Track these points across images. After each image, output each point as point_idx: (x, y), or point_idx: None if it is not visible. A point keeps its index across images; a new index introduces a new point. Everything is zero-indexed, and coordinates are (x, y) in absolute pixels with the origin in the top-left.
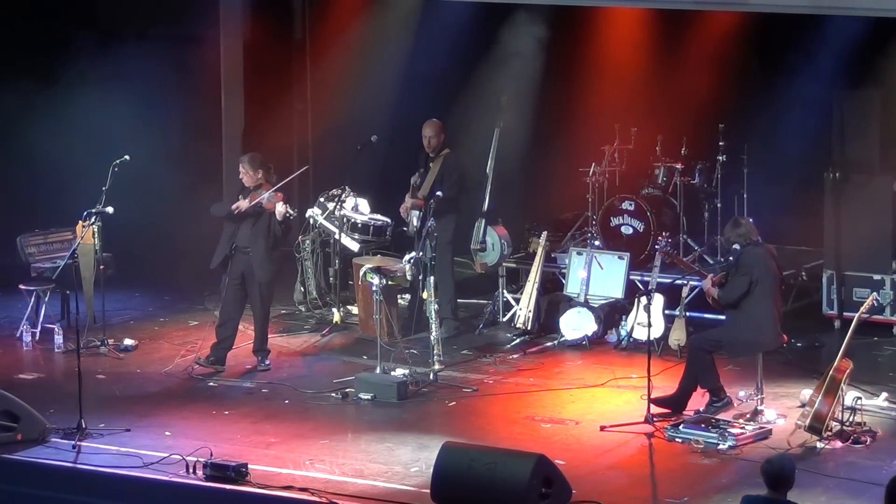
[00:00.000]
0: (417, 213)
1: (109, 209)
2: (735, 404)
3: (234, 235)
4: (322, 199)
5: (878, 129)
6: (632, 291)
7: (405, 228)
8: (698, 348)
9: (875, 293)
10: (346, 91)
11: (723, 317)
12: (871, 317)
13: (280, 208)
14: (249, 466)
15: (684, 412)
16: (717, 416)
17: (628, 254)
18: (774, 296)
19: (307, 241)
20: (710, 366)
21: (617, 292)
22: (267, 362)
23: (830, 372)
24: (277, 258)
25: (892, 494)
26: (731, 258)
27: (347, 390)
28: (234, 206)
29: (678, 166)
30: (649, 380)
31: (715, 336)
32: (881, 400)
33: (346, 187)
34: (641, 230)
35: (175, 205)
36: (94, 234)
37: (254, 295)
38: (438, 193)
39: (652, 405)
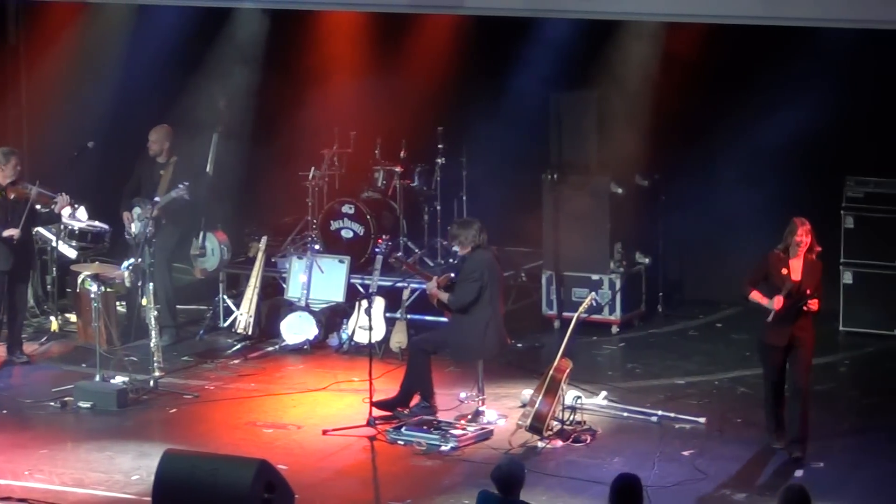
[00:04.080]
0: (139, 220)
1: None
2: (438, 406)
3: None
4: (39, 206)
5: (595, 130)
6: (353, 295)
7: (127, 235)
8: (420, 350)
9: (594, 293)
10: (62, 97)
11: (444, 318)
12: (589, 317)
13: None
14: None
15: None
16: (440, 418)
17: (349, 257)
18: (498, 299)
19: None
20: (426, 369)
21: (338, 296)
22: (25, 355)
23: (551, 372)
24: None
25: (618, 491)
26: (453, 260)
27: (66, 399)
28: (6, 235)
29: (397, 169)
30: (371, 383)
31: (439, 337)
32: (601, 399)
33: (64, 194)
34: (361, 234)
35: None
36: None
37: (20, 289)
38: (157, 199)
39: (376, 408)
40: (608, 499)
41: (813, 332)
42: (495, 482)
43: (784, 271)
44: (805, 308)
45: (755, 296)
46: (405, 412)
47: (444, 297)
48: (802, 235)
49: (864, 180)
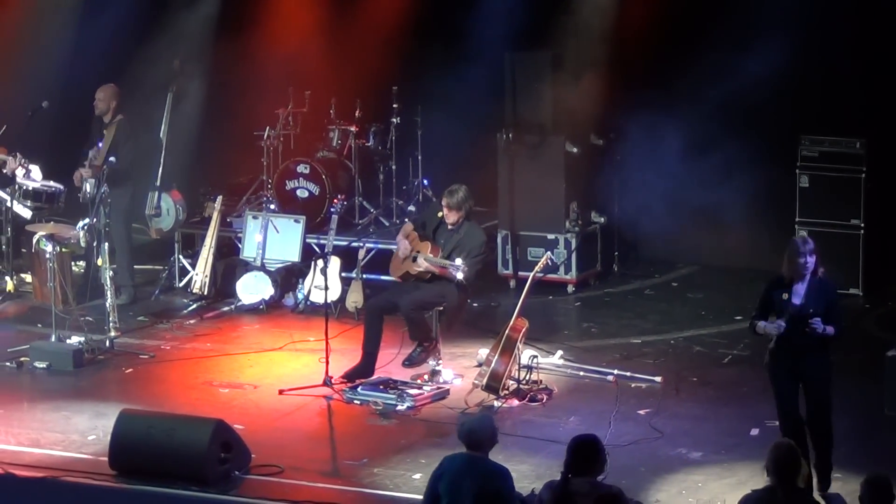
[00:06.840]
0: (92, 180)
1: None
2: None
3: None
4: None
5: (550, 90)
6: (308, 254)
7: (80, 195)
8: (417, 309)
9: (549, 252)
10: (15, 56)
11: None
12: (545, 276)
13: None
14: None
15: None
16: (396, 378)
17: (304, 217)
18: None
19: None
20: (423, 320)
21: (293, 256)
22: None
23: (506, 331)
24: None
25: (575, 450)
26: (406, 220)
27: (22, 359)
28: None
29: (352, 129)
30: (327, 342)
31: (435, 300)
32: (556, 358)
33: (18, 154)
34: (317, 193)
35: None
36: None
37: None
38: (112, 159)
39: (347, 379)
40: (565, 458)
41: (825, 361)
42: (461, 439)
43: (784, 296)
44: (807, 330)
45: (761, 327)
46: (414, 353)
47: (460, 276)
48: (807, 255)
49: (819, 139)
